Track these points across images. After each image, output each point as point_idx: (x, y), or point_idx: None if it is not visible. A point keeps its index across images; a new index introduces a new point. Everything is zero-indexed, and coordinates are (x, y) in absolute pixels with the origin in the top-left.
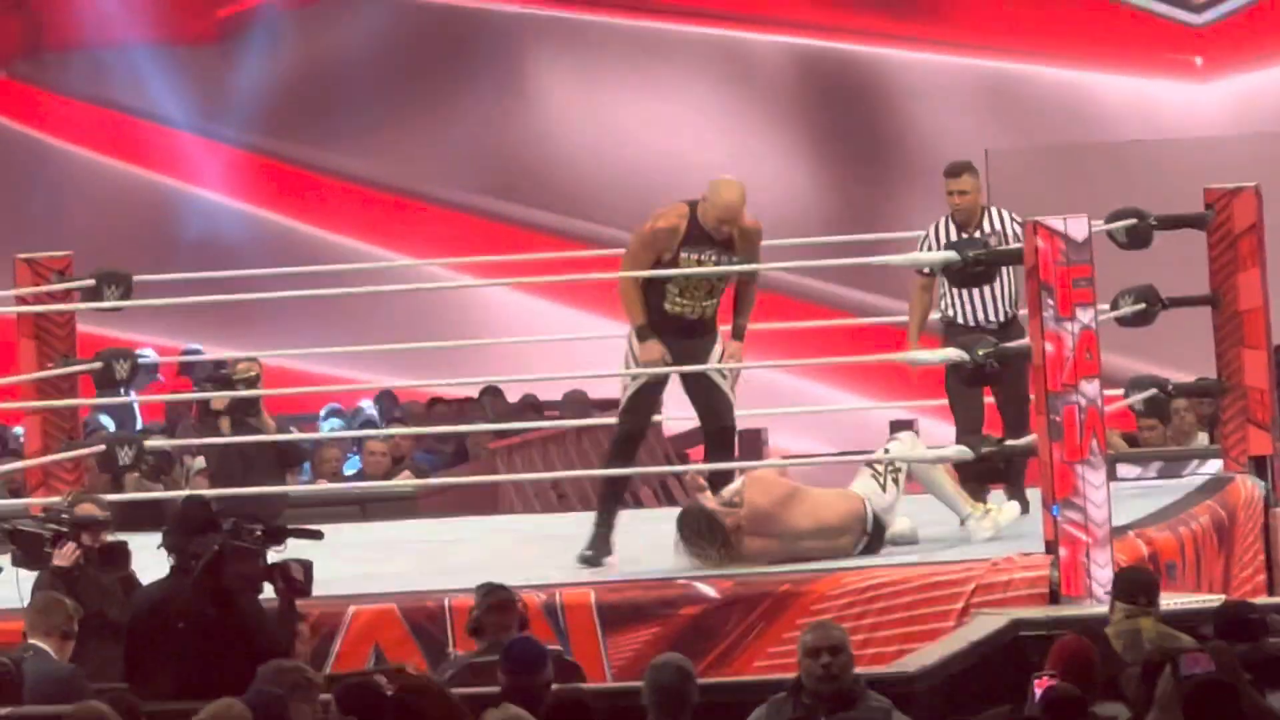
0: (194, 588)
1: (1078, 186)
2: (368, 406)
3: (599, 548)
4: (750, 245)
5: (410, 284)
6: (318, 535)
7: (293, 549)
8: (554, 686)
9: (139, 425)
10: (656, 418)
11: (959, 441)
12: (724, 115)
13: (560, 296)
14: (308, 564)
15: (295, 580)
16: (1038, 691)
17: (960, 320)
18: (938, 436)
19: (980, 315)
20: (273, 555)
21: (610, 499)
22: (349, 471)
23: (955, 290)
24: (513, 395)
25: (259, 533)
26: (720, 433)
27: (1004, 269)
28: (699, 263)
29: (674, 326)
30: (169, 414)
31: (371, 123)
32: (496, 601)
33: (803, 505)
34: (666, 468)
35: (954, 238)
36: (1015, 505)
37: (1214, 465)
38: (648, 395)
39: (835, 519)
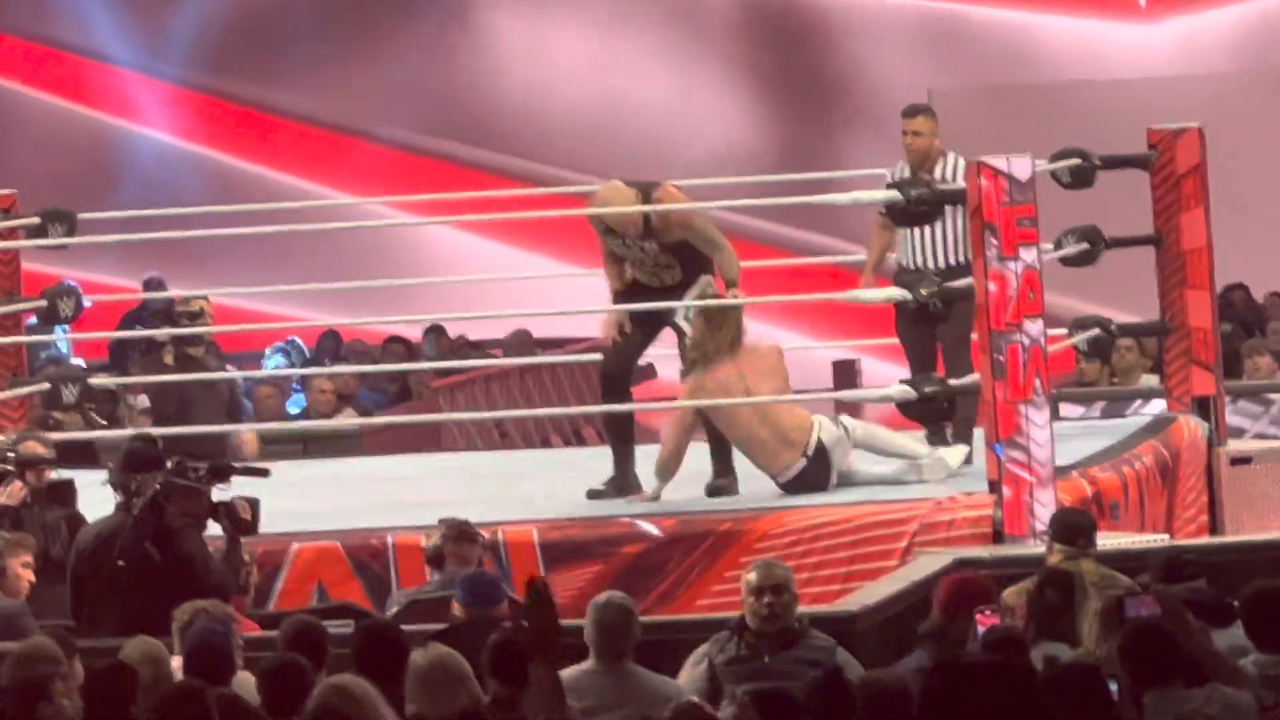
0: (136, 525)
1: (1021, 127)
2: (301, 343)
3: (616, 483)
4: (669, 228)
5: (353, 222)
6: (264, 473)
7: (239, 486)
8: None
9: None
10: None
11: (904, 382)
12: (668, 54)
13: (503, 236)
14: (254, 501)
15: (241, 518)
16: (980, 628)
17: (909, 264)
18: (881, 376)
19: (930, 259)
20: (219, 493)
21: (617, 437)
22: (292, 409)
23: (908, 234)
24: (455, 334)
25: (204, 470)
26: None
27: (957, 216)
28: (625, 246)
29: (644, 293)
30: (114, 350)
31: (314, 59)
32: (459, 533)
33: (774, 383)
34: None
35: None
36: (963, 447)
37: (1157, 405)
38: (624, 347)
39: (789, 420)
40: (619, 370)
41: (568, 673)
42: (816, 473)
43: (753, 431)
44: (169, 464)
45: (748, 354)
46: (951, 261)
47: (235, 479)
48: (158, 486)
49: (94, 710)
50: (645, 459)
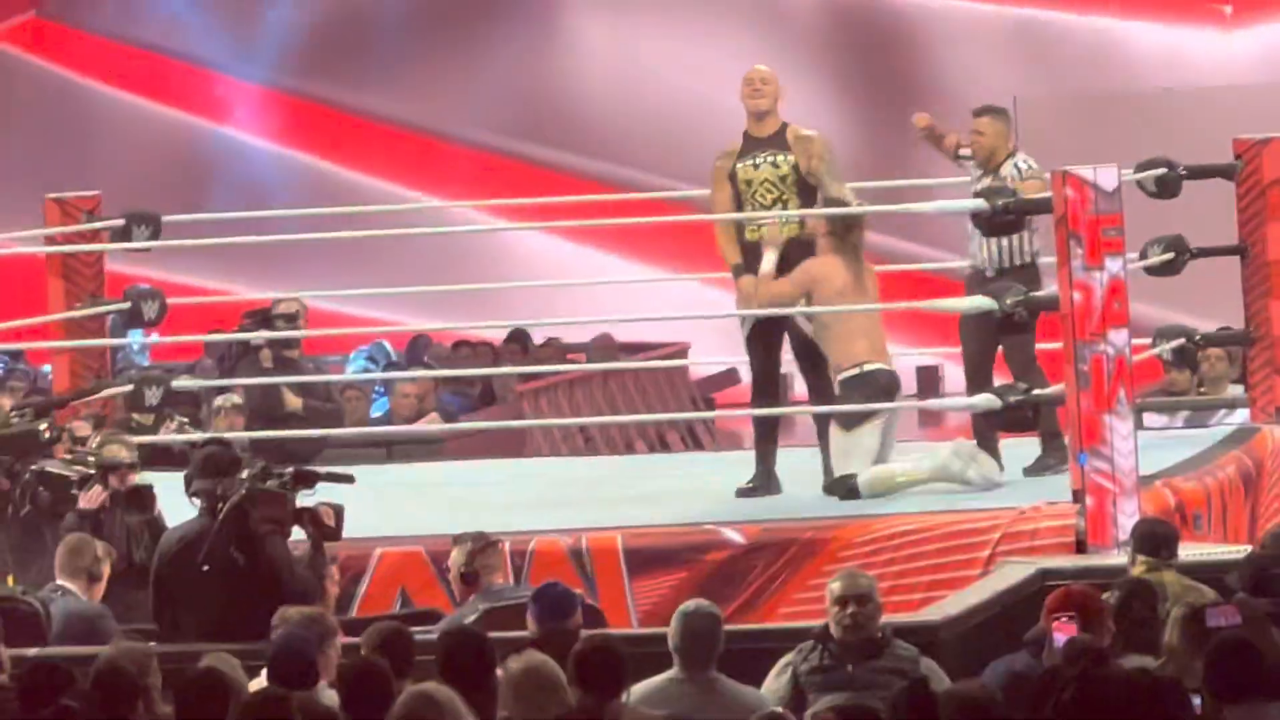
0: (220, 531)
1: (1107, 135)
2: (389, 347)
3: (760, 481)
4: (807, 151)
5: (441, 226)
6: (349, 479)
7: (324, 492)
8: (582, 631)
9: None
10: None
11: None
12: (754, 59)
13: (589, 239)
14: (339, 508)
15: (325, 524)
16: (1058, 636)
17: (983, 267)
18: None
19: (1003, 259)
20: (303, 498)
21: (759, 437)
22: (375, 412)
23: (981, 237)
24: (539, 338)
25: (288, 476)
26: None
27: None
28: (754, 168)
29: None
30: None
31: (402, 63)
32: (480, 546)
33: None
34: (694, 414)
35: (974, 177)
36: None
37: (1241, 415)
38: (758, 335)
39: (879, 339)
40: (763, 371)
41: (652, 682)
42: (870, 387)
43: (850, 322)
44: (253, 469)
45: (866, 263)
46: (1018, 261)
47: (320, 484)
48: (242, 492)
49: (184, 717)
50: (732, 464)
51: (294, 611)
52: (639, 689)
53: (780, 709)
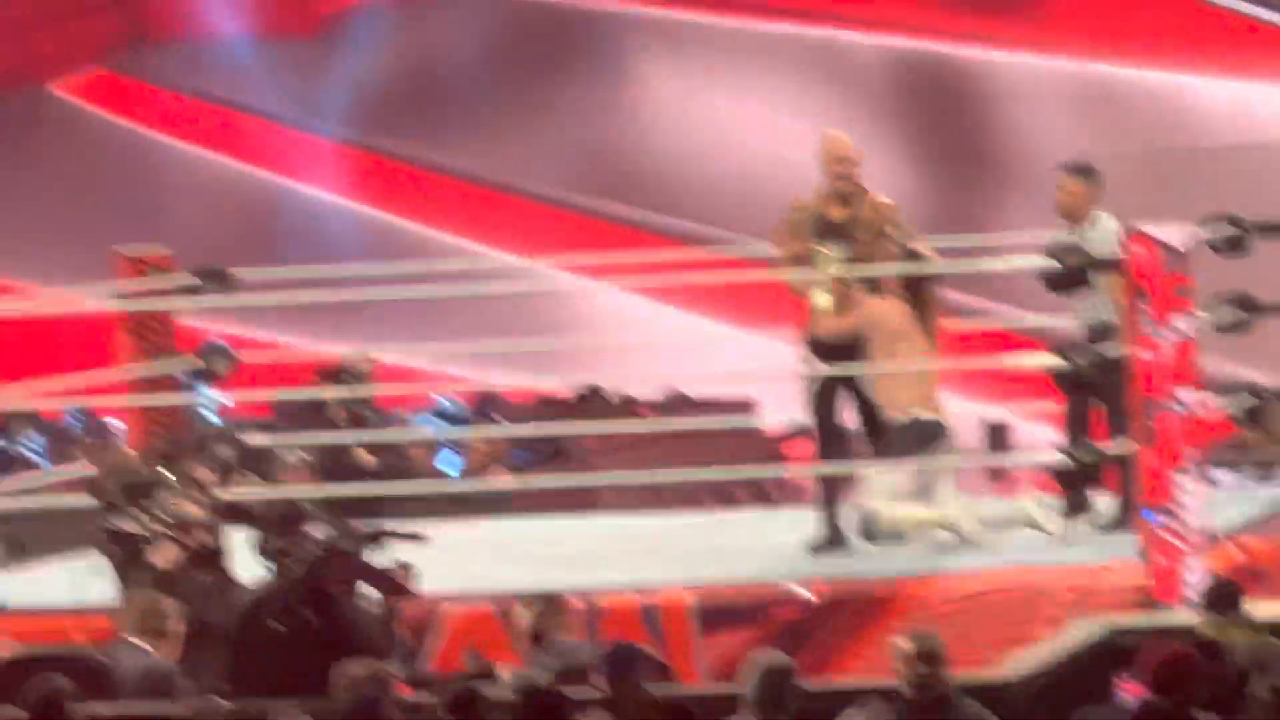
0: (292, 590)
1: (1176, 191)
2: (455, 403)
3: (827, 536)
4: (882, 218)
5: (512, 283)
6: (419, 538)
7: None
8: (649, 689)
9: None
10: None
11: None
12: (823, 115)
13: (660, 295)
14: (409, 566)
15: (396, 583)
16: (1123, 695)
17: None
18: (1033, 437)
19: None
20: (374, 556)
21: (826, 493)
22: (442, 465)
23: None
24: (611, 394)
25: (360, 535)
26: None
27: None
28: (824, 257)
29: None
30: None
31: (473, 118)
32: (548, 607)
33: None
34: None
35: (1060, 237)
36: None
37: None
38: (823, 389)
39: (933, 385)
40: (821, 424)
41: None
42: (918, 438)
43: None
44: (326, 528)
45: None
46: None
47: (390, 542)
48: (315, 551)
49: None
50: (798, 519)
51: (362, 665)
52: None
53: None
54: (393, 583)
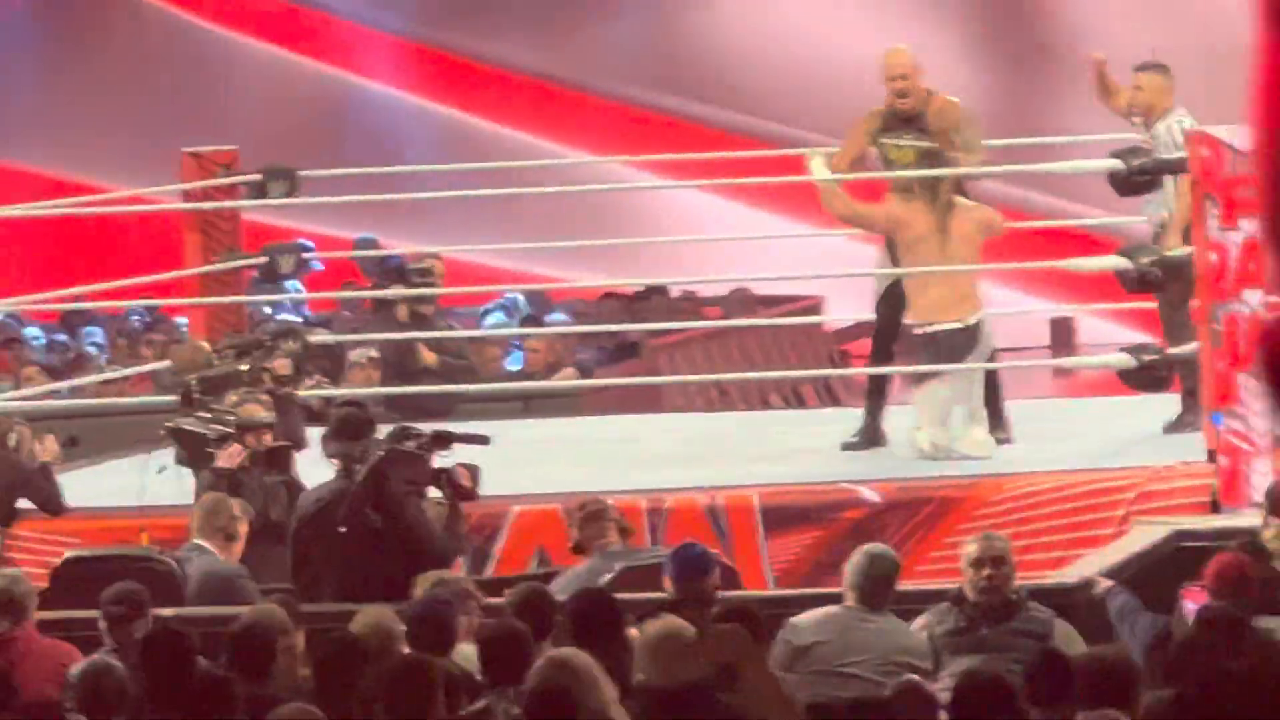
0: (358, 493)
1: (1239, 90)
2: (521, 300)
3: (865, 435)
4: (945, 122)
5: (579, 184)
6: (485, 440)
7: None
8: (718, 592)
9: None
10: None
11: (1124, 349)
12: (891, 12)
13: (726, 193)
14: (475, 468)
15: (462, 485)
16: (1187, 604)
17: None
18: (1100, 334)
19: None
20: (440, 459)
21: (871, 390)
22: (511, 366)
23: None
24: (675, 292)
25: (426, 437)
26: None
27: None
28: (897, 148)
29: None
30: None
31: (540, 13)
32: (588, 514)
33: (967, 249)
34: (826, 371)
35: (1138, 133)
36: (987, 441)
37: None
38: (887, 291)
39: (965, 284)
40: (884, 327)
41: (826, 610)
42: (951, 348)
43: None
44: (390, 430)
45: (957, 213)
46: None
47: (456, 445)
48: (380, 454)
49: (321, 681)
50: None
51: (432, 575)
52: (810, 614)
53: (917, 677)
54: (458, 485)
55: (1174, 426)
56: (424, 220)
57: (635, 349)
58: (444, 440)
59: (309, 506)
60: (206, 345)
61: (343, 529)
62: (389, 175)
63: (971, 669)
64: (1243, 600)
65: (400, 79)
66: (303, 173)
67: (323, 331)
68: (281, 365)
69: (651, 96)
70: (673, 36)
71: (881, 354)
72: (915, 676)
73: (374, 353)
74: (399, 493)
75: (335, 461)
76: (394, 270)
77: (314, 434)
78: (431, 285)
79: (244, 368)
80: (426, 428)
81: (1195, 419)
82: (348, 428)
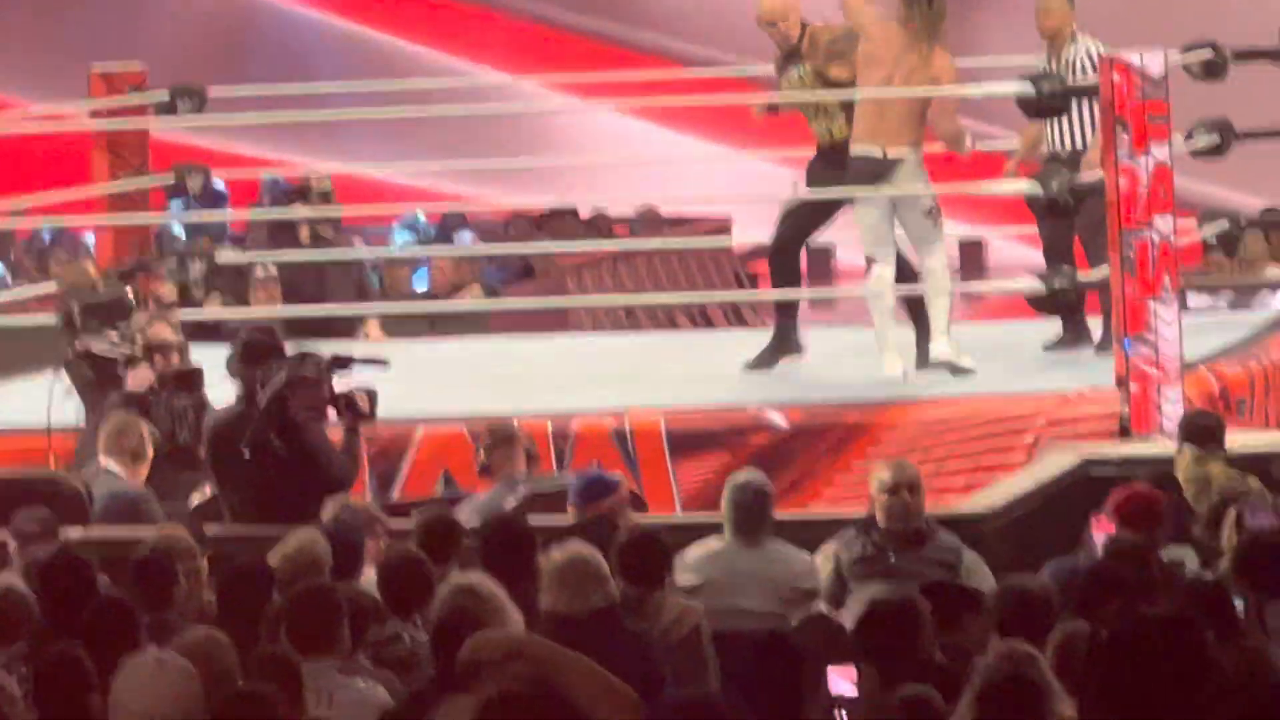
0: (260, 417)
1: (1153, 16)
2: (424, 218)
3: (764, 357)
4: (815, 49)
5: (486, 100)
6: (384, 364)
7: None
8: (625, 521)
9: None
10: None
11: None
12: None
13: (636, 113)
14: (373, 392)
15: (360, 409)
16: (1096, 535)
17: (1054, 150)
18: (1010, 257)
19: (1074, 143)
20: (338, 383)
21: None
22: (418, 286)
23: (1051, 120)
24: (585, 213)
25: (325, 361)
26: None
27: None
28: (786, 83)
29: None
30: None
31: None
32: (496, 439)
33: None
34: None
35: (1044, 60)
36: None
37: None
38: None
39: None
40: (787, 244)
41: (706, 545)
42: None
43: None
44: (291, 355)
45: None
46: (1080, 146)
47: (355, 367)
48: (281, 378)
49: (226, 607)
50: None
51: (340, 501)
52: (691, 552)
53: (824, 608)
54: (356, 409)
55: (1056, 345)
56: (333, 138)
57: (531, 271)
58: (342, 364)
59: (212, 430)
60: (91, 266)
61: (246, 453)
62: (299, 94)
63: (880, 600)
64: (1150, 531)
65: None
66: (212, 91)
67: (232, 250)
68: (168, 292)
69: (562, 14)
70: None
71: (783, 273)
72: (821, 607)
73: (274, 269)
74: (299, 417)
75: (238, 384)
76: (295, 192)
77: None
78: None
79: (129, 291)
80: (325, 351)
81: (1079, 339)
82: (250, 352)
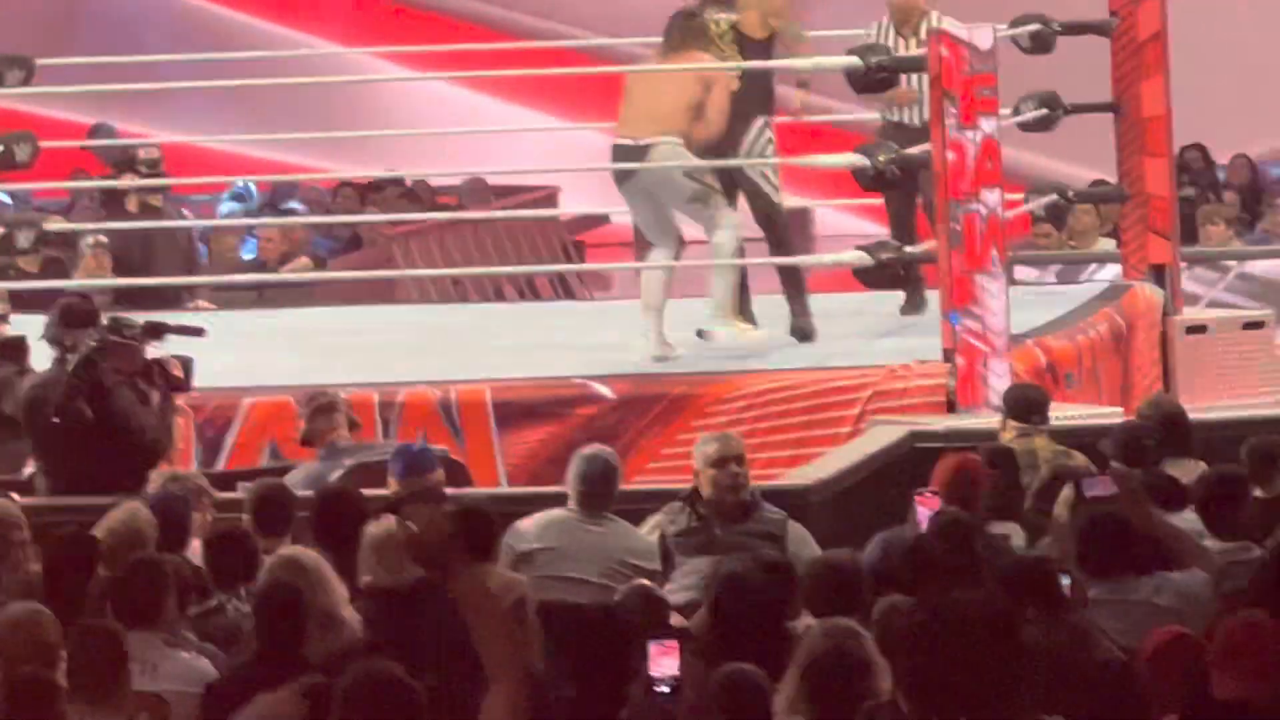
0: (70, 382)
1: None
2: (254, 187)
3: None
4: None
5: (321, 74)
6: (199, 332)
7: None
8: (449, 490)
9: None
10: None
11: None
12: None
13: (464, 83)
14: (187, 360)
15: (174, 376)
16: (921, 509)
17: (889, 118)
18: (839, 227)
19: (912, 116)
20: (153, 350)
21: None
22: (246, 255)
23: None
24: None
25: (138, 328)
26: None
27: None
28: (714, 24)
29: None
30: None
31: None
32: (318, 407)
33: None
34: (569, 266)
35: (889, 39)
36: (763, 335)
37: (1112, 270)
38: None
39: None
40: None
41: (549, 514)
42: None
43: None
44: (104, 321)
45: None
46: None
47: (170, 336)
48: (91, 344)
49: (52, 579)
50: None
51: (166, 473)
52: (527, 519)
53: (647, 582)
54: (170, 376)
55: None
56: (162, 107)
57: (358, 241)
58: (157, 331)
59: (26, 396)
60: None
61: (55, 419)
62: (128, 63)
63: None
64: (970, 501)
65: None
66: (40, 60)
67: (59, 219)
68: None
69: None
70: None
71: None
72: (645, 580)
73: (103, 239)
74: (110, 383)
75: (54, 350)
76: (124, 162)
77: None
78: (160, 177)
79: None
80: (139, 318)
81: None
82: (64, 317)
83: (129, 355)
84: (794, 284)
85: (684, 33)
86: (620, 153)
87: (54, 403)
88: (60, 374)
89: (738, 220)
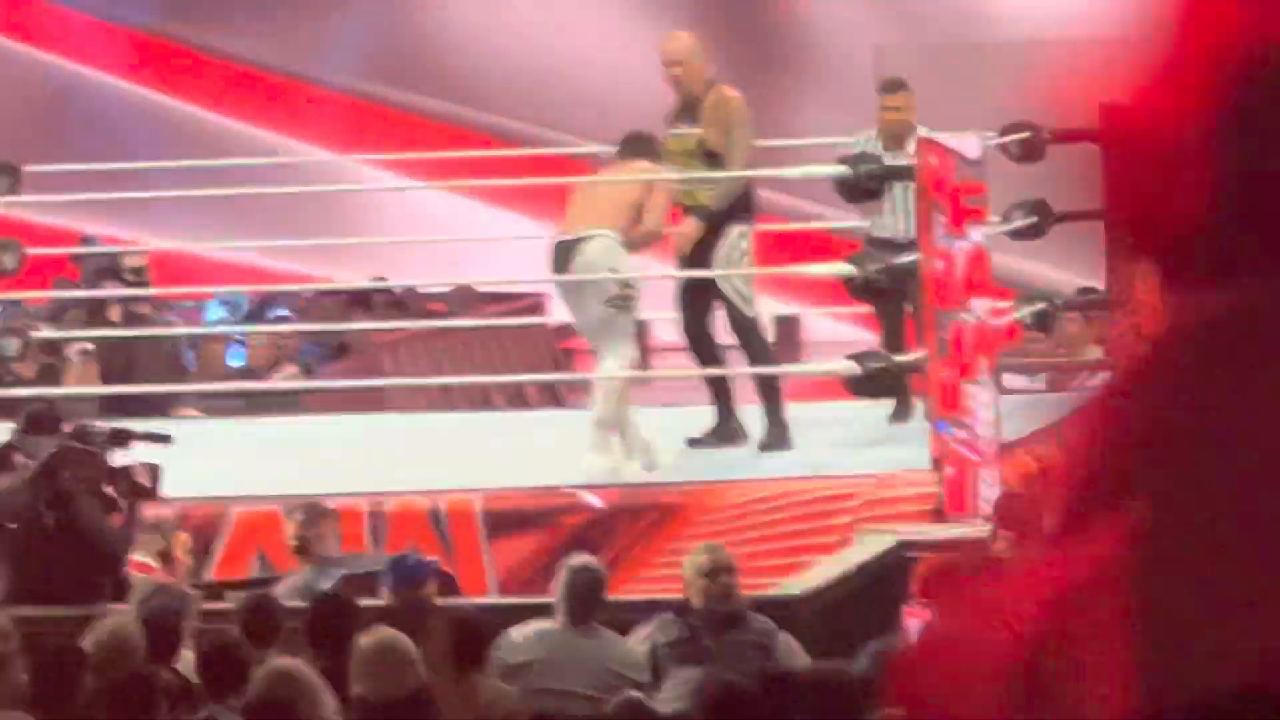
0: (30, 489)
1: (972, 87)
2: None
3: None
4: (719, 117)
5: (308, 179)
6: (166, 439)
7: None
8: (440, 603)
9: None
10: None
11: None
12: (626, 10)
13: (463, 191)
14: (155, 466)
15: (139, 483)
16: (911, 622)
17: (875, 234)
18: (827, 333)
19: (890, 231)
20: (119, 458)
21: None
22: (233, 362)
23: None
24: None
25: (104, 435)
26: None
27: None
28: (675, 138)
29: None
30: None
31: (268, 6)
32: (309, 517)
33: None
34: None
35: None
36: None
37: (1103, 377)
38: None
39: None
40: (698, 329)
41: (536, 626)
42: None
43: None
44: (68, 428)
45: None
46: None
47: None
48: (52, 450)
49: (39, 689)
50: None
51: (151, 581)
52: (517, 631)
53: (639, 694)
54: (135, 483)
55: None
56: (149, 213)
57: (346, 349)
58: (122, 438)
59: None
60: None
61: (13, 526)
62: (114, 170)
63: (701, 677)
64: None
65: (120, 67)
66: (27, 168)
67: (48, 327)
68: None
69: (381, 90)
70: (395, 27)
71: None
72: (636, 693)
73: (90, 347)
74: (70, 490)
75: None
76: (106, 270)
77: None
78: (145, 284)
79: None
80: (105, 425)
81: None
82: (30, 423)
83: (91, 462)
84: (768, 395)
85: (634, 144)
86: (559, 250)
87: (13, 509)
88: (18, 480)
89: (633, 357)
